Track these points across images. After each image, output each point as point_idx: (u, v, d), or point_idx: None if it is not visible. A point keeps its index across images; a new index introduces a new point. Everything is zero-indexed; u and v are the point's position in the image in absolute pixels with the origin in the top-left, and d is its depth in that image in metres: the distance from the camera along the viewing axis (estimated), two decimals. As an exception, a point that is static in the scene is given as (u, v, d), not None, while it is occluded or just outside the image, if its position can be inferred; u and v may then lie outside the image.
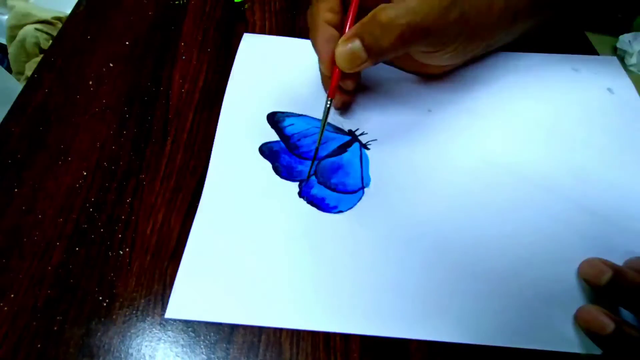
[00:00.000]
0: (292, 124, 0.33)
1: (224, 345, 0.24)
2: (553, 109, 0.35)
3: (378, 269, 0.26)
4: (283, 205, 0.29)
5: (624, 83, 0.37)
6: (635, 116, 0.35)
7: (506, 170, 0.31)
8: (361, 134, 0.33)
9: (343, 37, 0.27)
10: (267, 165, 0.31)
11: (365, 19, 0.27)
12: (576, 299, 0.25)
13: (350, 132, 0.33)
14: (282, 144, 0.32)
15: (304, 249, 0.27)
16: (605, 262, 0.24)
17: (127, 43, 0.40)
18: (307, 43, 0.38)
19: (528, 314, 0.25)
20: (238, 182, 0.30)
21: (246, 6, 0.44)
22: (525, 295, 0.25)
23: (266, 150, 0.32)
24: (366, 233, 0.28)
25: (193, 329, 0.25)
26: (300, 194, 0.30)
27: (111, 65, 0.38)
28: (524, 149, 0.32)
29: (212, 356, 0.24)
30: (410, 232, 0.28)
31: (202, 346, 0.24)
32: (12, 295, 0.26)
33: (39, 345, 0.24)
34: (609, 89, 0.36)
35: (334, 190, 0.30)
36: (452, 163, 0.31)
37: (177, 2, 0.44)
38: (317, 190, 0.30)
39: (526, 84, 0.37)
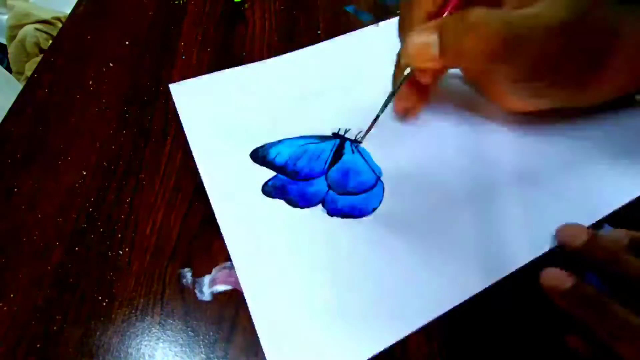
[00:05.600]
0: (279, 153, 0.31)
1: (223, 344, 0.24)
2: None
3: (435, 247, 0.26)
4: (318, 232, 0.27)
5: None
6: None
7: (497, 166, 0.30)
8: (346, 132, 0.32)
9: (421, 27, 0.24)
10: (279, 203, 0.29)
11: (452, 15, 0.24)
12: None
13: (336, 135, 0.32)
14: (282, 176, 0.30)
15: (359, 264, 0.26)
16: (583, 227, 0.25)
17: (127, 43, 0.40)
18: (239, 70, 0.37)
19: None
20: (260, 235, 0.28)
21: (246, 6, 0.44)
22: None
23: (271, 191, 0.29)
24: (409, 214, 0.28)
25: (192, 328, 0.25)
26: (330, 213, 0.28)
27: (111, 65, 0.38)
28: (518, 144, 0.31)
29: (212, 356, 0.24)
30: (444, 197, 0.28)
31: (201, 346, 0.24)
32: (12, 295, 0.26)
33: (38, 345, 0.24)
34: None
35: (356, 193, 0.29)
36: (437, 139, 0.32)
37: (176, 2, 0.44)
38: (343, 201, 0.29)
39: None
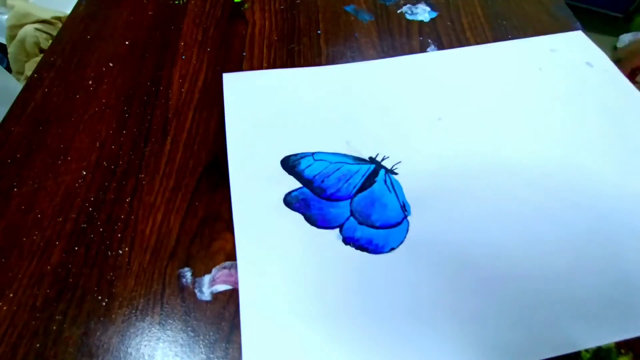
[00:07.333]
0: (310, 165, 0.30)
1: (223, 344, 0.24)
2: (547, 93, 0.35)
3: (443, 304, 0.24)
4: (328, 257, 0.26)
5: (598, 55, 0.37)
6: (618, 88, 0.35)
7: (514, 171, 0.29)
8: (383, 159, 0.30)
9: None
10: (297, 216, 0.28)
11: None
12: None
13: (372, 160, 0.30)
14: (306, 190, 0.29)
15: (365, 300, 0.25)
16: None
17: (127, 43, 0.40)
18: (294, 71, 0.36)
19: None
20: (271, 243, 0.27)
21: (246, 6, 0.44)
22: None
23: (293, 201, 0.28)
24: (424, 265, 0.25)
25: (192, 328, 0.25)
26: (346, 241, 0.27)
27: (111, 65, 0.38)
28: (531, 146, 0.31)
29: (212, 356, 0.24)
30: (465, 254, 0.26)
31: (201, 346, 0.24)
32: (12, 295, 0.26)
33: (38, 345, 0.24)
34: (588, 63, 0.36)
35: (378, 227, 0.27)
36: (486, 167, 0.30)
37: (176, 2, 0.44)
38: (361, 232, 0.27)
39: (515, 73, 0.36)
